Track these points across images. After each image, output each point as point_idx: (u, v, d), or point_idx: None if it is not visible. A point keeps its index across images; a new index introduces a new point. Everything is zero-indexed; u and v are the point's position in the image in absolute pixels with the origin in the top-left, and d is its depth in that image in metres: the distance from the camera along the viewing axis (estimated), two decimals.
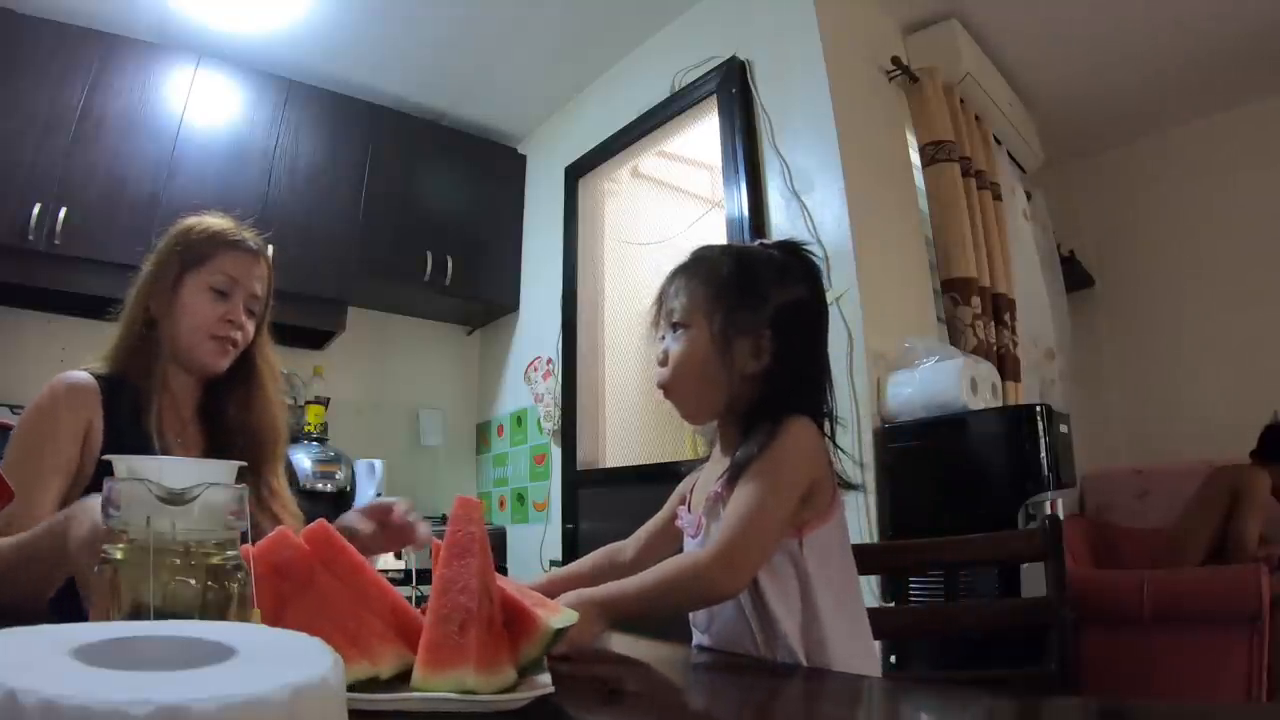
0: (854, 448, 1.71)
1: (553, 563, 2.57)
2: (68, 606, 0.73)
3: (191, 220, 1.16)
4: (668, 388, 0.90)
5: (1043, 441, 1.59)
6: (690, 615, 0.89)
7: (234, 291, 1.12)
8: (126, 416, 1.03)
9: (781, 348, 0.86)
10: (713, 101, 2.23)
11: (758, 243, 0.96)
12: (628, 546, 1.03)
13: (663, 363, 0.90)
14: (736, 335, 0.85)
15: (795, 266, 0.89)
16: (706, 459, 0.98)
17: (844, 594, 0.83)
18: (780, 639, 0.78)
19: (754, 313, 0.86)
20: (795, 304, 0.88)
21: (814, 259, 0.91)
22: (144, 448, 1.00)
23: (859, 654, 0.81)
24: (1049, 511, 1.55)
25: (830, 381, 0.90)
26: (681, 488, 1.01)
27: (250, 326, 1.15)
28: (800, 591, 0.80)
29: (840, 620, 0.80)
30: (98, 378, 1.06)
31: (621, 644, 0.80)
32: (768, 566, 0.79)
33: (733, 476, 0.81)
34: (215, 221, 1.16)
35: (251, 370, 1.17)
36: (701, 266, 0.91)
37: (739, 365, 0.85)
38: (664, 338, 0.91)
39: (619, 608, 0.74)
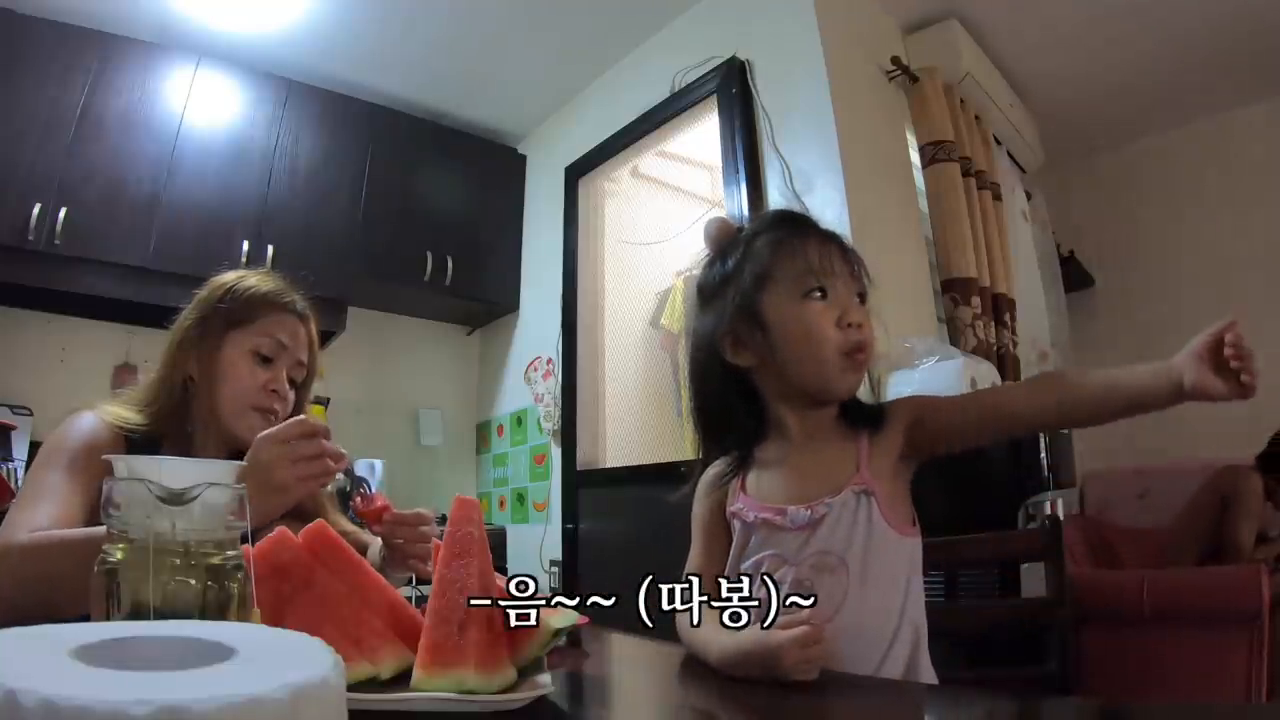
0: None
1: (553, 562, 2.57)
2: None
3: (234, 275, 1.07)
4: (873, 349, 0.87)
5: (1043, 441, 1.59)
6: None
7: (279, 357, 1.04)
8: None
9: None
10: (713, 101, 2.23)
11: None
12: None
13: (861, 323, 0.87)
14: None
15: None
16: (758, 455, 0.90)
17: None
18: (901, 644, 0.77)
19: None
20: None
21: None
22: None
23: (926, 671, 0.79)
24: (1049, 511, 1.55)
25: None
26: (712, 499, 0.89)
27: (292, 397, 1.06)
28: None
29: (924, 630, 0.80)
30: (129, 438, 0.96)
31: (626, 644, 0.80)
32: (914, 564, 0.84)
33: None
34: (262, 279, 1.08)
35: None
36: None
37: None
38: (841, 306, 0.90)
39: None
